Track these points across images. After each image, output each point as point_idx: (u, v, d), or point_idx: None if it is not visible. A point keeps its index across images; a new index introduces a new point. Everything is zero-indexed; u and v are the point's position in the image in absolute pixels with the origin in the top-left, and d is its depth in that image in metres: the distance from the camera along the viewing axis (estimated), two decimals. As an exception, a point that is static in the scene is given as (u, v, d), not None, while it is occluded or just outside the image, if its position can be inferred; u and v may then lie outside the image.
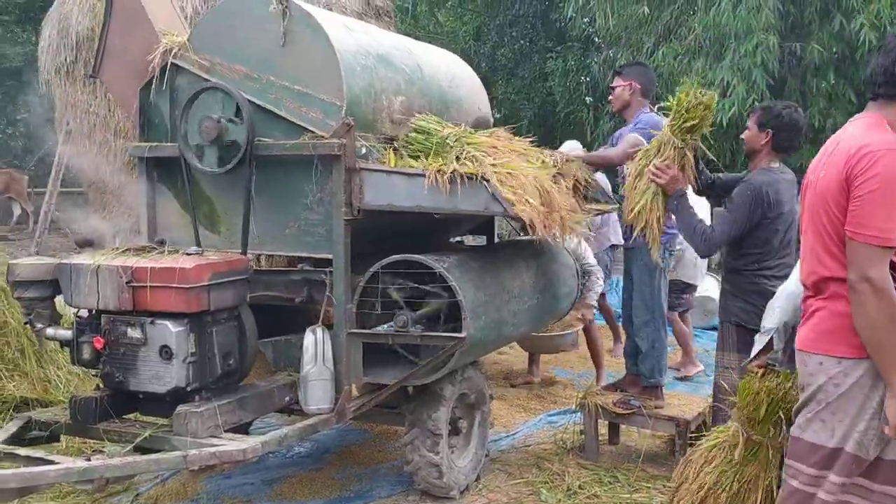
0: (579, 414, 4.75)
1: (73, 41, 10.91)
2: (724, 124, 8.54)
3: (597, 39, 14.17)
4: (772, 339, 2.99)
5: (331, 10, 9.34)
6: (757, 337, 3.09)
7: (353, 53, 3.74)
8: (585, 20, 12.92)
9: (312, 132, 3.65)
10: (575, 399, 4.92)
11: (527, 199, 3.44)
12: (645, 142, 4.09)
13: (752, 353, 3.07)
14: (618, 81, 4.66)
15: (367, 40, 3.99)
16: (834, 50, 9.01)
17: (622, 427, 4.78)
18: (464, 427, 4.17)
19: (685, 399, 4.82)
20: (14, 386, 4.39)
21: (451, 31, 17.85)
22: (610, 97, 4.81)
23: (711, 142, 5.78)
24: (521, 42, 16.22)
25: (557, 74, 13.85)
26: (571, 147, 6.22)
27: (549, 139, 9.24)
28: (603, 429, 4.72)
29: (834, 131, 2.85)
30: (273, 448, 3.42)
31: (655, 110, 4.51)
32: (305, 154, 3.64)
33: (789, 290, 2.98)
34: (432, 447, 3.85)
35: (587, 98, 13.60)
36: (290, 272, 3.95)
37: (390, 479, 4.27)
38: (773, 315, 3.01)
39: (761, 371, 2.95)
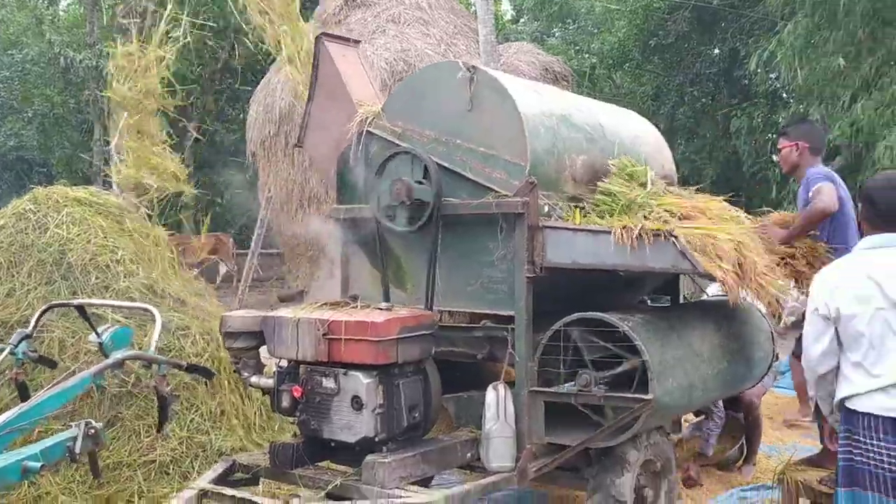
0: (777, 491, 4.38)
1: (276, 116, 12.05)
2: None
3: (784, 94, 13.59)
4: None
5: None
6: None
7: (536, 115, 3.82)
8: (772, 75, 12.45)
9: (496, 192, 3.74)
10: (770, 474, 4.56)
11: (718, 257, 3.30)
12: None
13: None
14: (783, 143, 4.49)
15: (550, 101, 4.06)
16: None
17: (827, 508, 4.35)
18: (649, 496, 3.98)
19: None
20: (224, 437, 4.60)
21: (629, 92, 17.81)
22: (777, 159, 4.60)
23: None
24: (703, 100, 15.89)
25: (743, 132, 13.38)
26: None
27: (733, 199, 8.88)
28: (804, 508, 4.32)
29: None
30: (455, 503, 3.43)
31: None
32: (489, 213, 3.73)
33: None
34: (616, 515, 3.70)
35: (775, 156, 13.02)
36: (473, 328, 4.01)
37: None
38: None
39: None
